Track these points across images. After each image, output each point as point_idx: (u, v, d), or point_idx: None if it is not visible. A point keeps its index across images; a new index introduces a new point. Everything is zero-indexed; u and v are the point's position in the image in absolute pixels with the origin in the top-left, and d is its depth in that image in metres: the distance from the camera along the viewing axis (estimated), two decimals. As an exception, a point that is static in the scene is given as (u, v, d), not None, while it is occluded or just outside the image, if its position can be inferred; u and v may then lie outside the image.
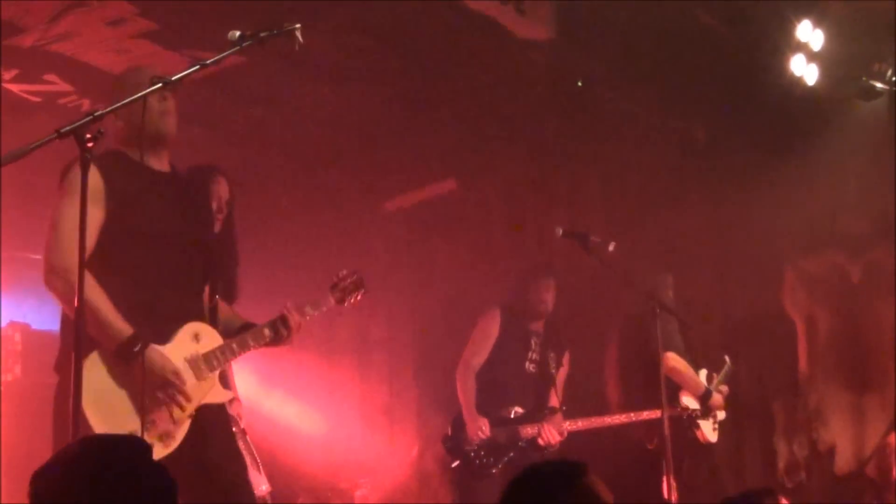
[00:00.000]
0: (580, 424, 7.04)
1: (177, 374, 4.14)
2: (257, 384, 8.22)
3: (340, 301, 4.93)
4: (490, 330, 7.25)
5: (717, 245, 8.13)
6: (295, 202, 9.14)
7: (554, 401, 7.18)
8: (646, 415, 6.82)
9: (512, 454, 6.91)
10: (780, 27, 6.99)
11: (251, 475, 4.99)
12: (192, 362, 4.25)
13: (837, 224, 7.96)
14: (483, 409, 6.96)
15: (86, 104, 6.93)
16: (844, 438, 7.85)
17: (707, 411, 7.19)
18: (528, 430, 6.95)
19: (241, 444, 5.15)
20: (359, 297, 5.01)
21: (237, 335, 4.49)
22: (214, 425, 4.36)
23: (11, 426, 6.88)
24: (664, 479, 6.14)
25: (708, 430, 7.19)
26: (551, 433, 6.90)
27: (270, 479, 6.01)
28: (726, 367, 7.43)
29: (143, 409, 3.98)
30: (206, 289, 4.56)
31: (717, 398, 7.25)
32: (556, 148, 8.40)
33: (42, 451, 2.85)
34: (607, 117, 7.86)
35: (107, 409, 3.97)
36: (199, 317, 4.39)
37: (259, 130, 7.91)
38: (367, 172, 8.90)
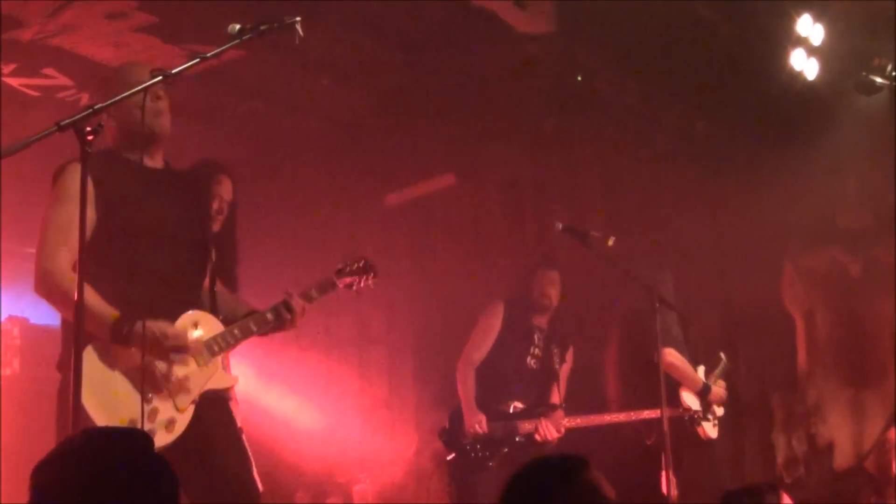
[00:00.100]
0: (579, 421, 7.03)
1: (175, 333, 4.10)
2: (256, 379, 8.21)
3: (349, 286, 4.85)
4: (492, 324, 7.23)
5: (716, 240, 8.12)
6: (293, 197, 9.13)
7: (555, 397, 7.18)
8: (646, 414, 6.79)
9: (507, 449, 6.89)
10: (780, 22, 6.98)
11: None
12: (194, 347, 4.22)
13: (837, 219, 7.95)
14: (483, 403, 6.95)
15: (85, 98, 6.93)
16: (843, 434, 7.85)
17: (707, 408, 7.19)
18: (526, 426, 6.93)
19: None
20: (369, 282, 4.93)
21: (239, 321, 4.45)
22: (216, 416, 4.35)
23: (10, 420, 6.88)
24: (663, 474, 6.14)
25: (708, 427, 7.19)
26: (548, 429, 6.89)
27: (268, 474, 5.97)
28: (722, 364, 7.42)
29: (145, 398, 3.96)
30: (206, 281, 4.54)
31: (716, 393, 7.24)
32: (556, 142, 8.39)
33: (41, 445, 2.84)
34: (607, 112, 7.85)
35: (107, 400, 3.96)
36: (198, 308, 4.37)
37: (258, 125, 7.91)
38: (366, 167, 8.90)
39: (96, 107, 3.39)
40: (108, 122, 4.17)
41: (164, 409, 4.11)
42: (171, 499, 2.37)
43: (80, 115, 3.33)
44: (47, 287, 4.08)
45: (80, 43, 6.42)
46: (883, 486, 7.12)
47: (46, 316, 7.39)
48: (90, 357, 3.95)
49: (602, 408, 7.26)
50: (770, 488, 4.20)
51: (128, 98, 3.70)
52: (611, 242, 6.16)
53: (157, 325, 4.04)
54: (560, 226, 6.17)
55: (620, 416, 7.05)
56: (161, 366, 4.10)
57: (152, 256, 4.21)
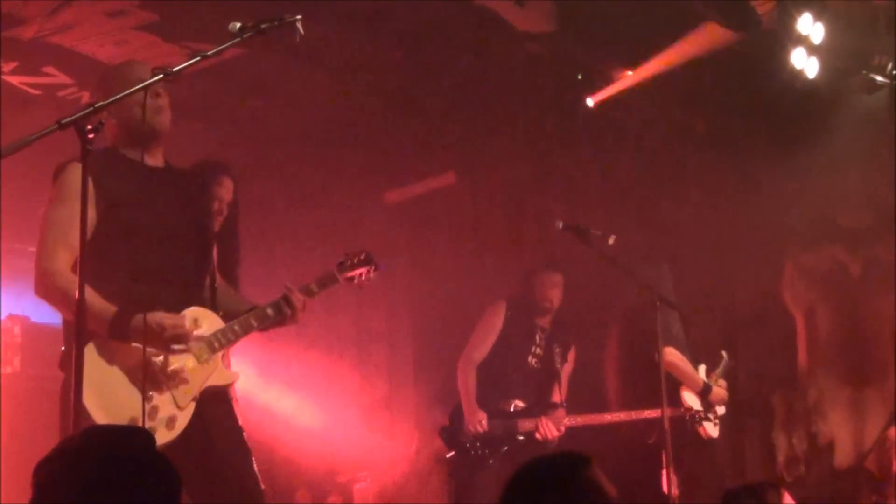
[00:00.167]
0: (580, 421, 7.03)
1: (174, 319, 4.09)
2: (256, 377, 8.21)
3: (350, 279, 4.79)
4: (494, 323, 7.22)
5: (716, 239, 8.12)
6: (293, 195, 9.13)
7: (556, 396, 7.18)
8: (647, 413, 6.78)
9: (507, 447, 6.89)
10: (781, 20, 6.98)
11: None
12: (194, 346, 4.20)
13: (837, 218, 7.96)
14: (483, 401, 6.95)
15: (85, 96, 6.93)
16: (844, 432, 7.85)
17: (708, 407, 7.19)
18: (526, 424, 6.93)
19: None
20: (370, 275, 4.88)
21: (240, 317, 4.43)
22: (218, 414, 4.33)
23: (10, 419, 6.88)
24: (663, 472, 6.14)
25: (709, 426, 7.18)
26: (548, 428, 6.88)
27: (269, 472, 6.00)
28: (724, 363, 7.42)
29: (145, 395, 3.95)
30: (206, 278, 4.53)
31: (717, 392, 7.24)
32: (557, 141, 8.40)
33: (42, 443, 2.84)
34: (607, 110, 7.85)
35: (108, 399, 3.95)
36: (199, 305, 4.35)
37: (258, 122, 7.91)
38: (366, 165, 8.89)
39: (97, 105, 3.39)
40: (108, 120, 4.15)
41: (165, 406, 4.10)
42: (173, 497, 2.37)
43: (81, 114, 3.33)
44: (46, 287, 4.07)
45: (80, 41, 6.42)
46: (883, 484, 7.12)
47: (47, 314, 7.36)
48: (90, 356, 3.92)
49: (603, 407, 7.25)
50: (771, 487, 4.20)
51: (128, 96, 3.70)
52: (611, 241, 6.15)
53: (154, 317, 4.02)
54: (560, 224, 6.15)
55: (621, 416, 7.04)
56: (161, 362, 4.09)
57: (152, 255, 4.20)
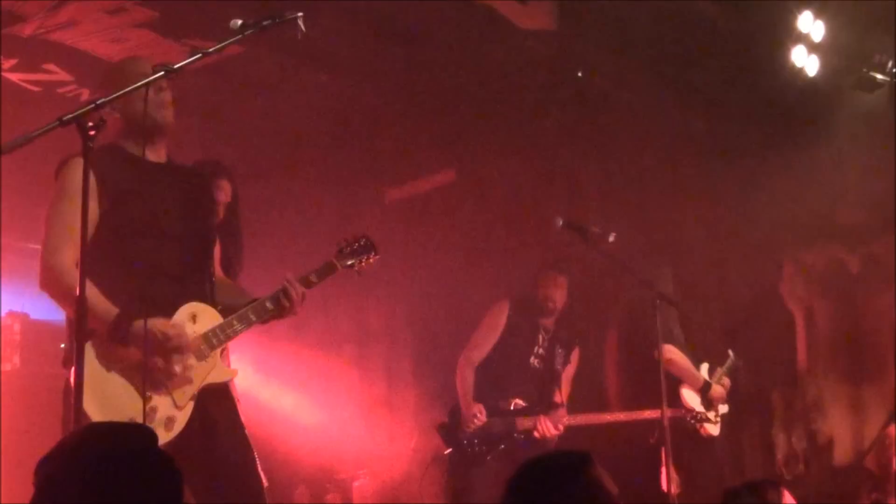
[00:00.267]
0: (579, 420, 7.03)
1: (173, 327, 4.08)
2: (255, 375, 8.21)
3: (349, 266, 4.74)
4: (495, 323, 7.22)
5: (716, 237, 8.13)
6: (293, 192, 9.13)
7: (558, 397, 7.18)
8: (647, 414, 6.78)
9: (505, 445, 6.88)
10: (781, 18, 6.98)
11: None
12: (192, 343, 4.19)
13: (837, 216, 7.96)
14: (484, 400, 6.94)
15: (85, 94, 6.93)
16: (843, 430, 7.86)
17: (708, 405, 7.19)
18: (525, 423, 6.93)
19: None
20: (371, 261, 4.83)
21: (238, 311, 4.39)
22: (219, 410, 4.31)
23: (10, 416, 6.87)
24: (663, 470, 6.15)
25: (710, 425, 7.18)
26: (547, 426, 6.88)
27: (268, 470, 5.97)
28: (730, 361, 7.41)
29: (144, 395, 3.94)
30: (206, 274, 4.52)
31: (717, 390, 7.24)
32: (556, 138, 8.39)
33: (42, 440, 2.83)
34: (607, 108, 7.85)
35: (106, 399, 3.94)
36: (199, 300, 4.32)
37: (258, 120, 7.90)
38: (367, 163, 8.89)
39: (98, 101, 3.38)
40: (112, 116, 4.13)
41: (163, 407, 4.09)
42: (176, 494, 2.37)
43: (83, 110, 3.33)
44: (51, 284, 4.07)
45: (80, 38, 6.41)
46: (883, 482, 7.12)
47: (47, 311, 7.38)
48: (89, 356, 3.92)
49: (603, 406, 7.25)
50: (771, 485, 4.20)
51: (131, 92, 3.70)
52: (611, 238, 6.15)
53: (157, 325, 4.02)
54: (560, 222, 6.14)
55: (620, 416, 7.05)
56: (160, 363, 4.08)
57: (155, 251, 4.20)
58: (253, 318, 4.40)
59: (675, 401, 6.97)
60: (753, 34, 7.05)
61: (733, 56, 7.18)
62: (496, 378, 7.07)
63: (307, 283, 4.56)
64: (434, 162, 9.02)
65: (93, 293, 3.91)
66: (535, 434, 6.90)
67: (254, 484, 4.37)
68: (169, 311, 4.17)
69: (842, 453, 7.82)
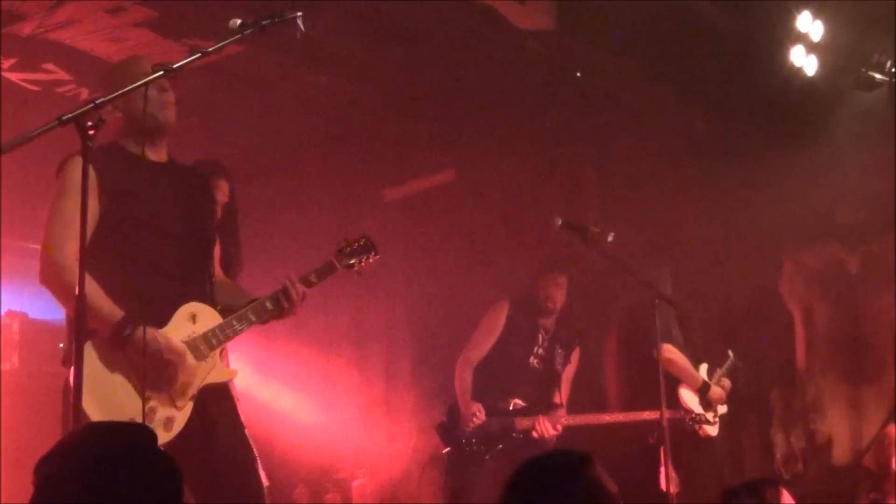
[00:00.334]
0: (579, 420, 7.03)
1: (176, 352, 4.09)
2: (253, 374, 8.22)
3: (349, 266, 4.75)
4: (495, 323, 7.21)
5: (715, 236, 8.12)
6: (292, 192, 9.13)
7: (558, 397, 7.17)
8: (646, 415, 6.78)
9: (502, 444, 6.88)
10: (780, 18, 6.99)
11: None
12: (191, 343, 4.17)
13: (836, 216, 7.96)
14: (482, 400, 6.94)
15: (84, 93, 6.93)
16: (842, 430, 7.86)
17: (707, 405, 7.19)
18: (524, 423, 6.93)
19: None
20: (370, 262, 4.83)
21: (238, 311, 4.39)
22: (219, 409, 4.31)
23: (9, 416, 6.88)
24: (661, 470, 6.14)
25: (709, 425, 7.18)
26: (545, 426, 6.88)
27: (267, 469, 5.98)
28: (729, 361, 7.41)
29: (143, 396, 3.94)
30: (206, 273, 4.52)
31: (716, 391, 7.23)
32: (556, 138, 8.40)
33: (41, 440, 2.83)
34: (606, 108, 7.85)
35: (106, 400, 3.93)
36: (199, 300, 4.32)
37: (258, 119, 7.90)
38: (366, 162, 8.89)
39: (98, 101, 3.38)
40: (113, 115, 4.14)
41: (162, 407, 4.08)
42: (175, 493, 2.37)
43: (82, 110, 3.32)
44: (52, 279, 4.05)
45: (79, 38, 6.41)
46: (881, 481, 7.12)
47: (46, 311, 7.40)
48: (89, 355, 3.91)
49: (602, 406, 7.25)
50: (770, 484, 4.20)
51: (134, 91, 3.69)
52: (610, 238, 6.14)
53: (159, 339, 4.04)
54: (559, 221, 6.13)
55: (619, 417, 7.04)
56: (159, 368, 4.08)
57: (155, 250, 4.20)
58: (253, 318, 4.39)
59: (674, 401, 6.96)
60: (752, 34, 7.06)
61: (732, 56, 7.18)
62: (495, 378, 7.07)
63: (307, 283, 4.55)
64: (433, 162, 9.02)
65: (96, 292, 3.93)
66: (534, 434, 6.89)
67: (253, 484, 4.38)
68: (169, 311, 4.17)
69: (840, 453, 7.82)
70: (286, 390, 8.83)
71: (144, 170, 4.22)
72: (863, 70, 7.25)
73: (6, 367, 7.57)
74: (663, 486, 6.16)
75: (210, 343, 4.25)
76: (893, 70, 7.24)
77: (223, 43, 3.76)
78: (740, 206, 7.90)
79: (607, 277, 7.25)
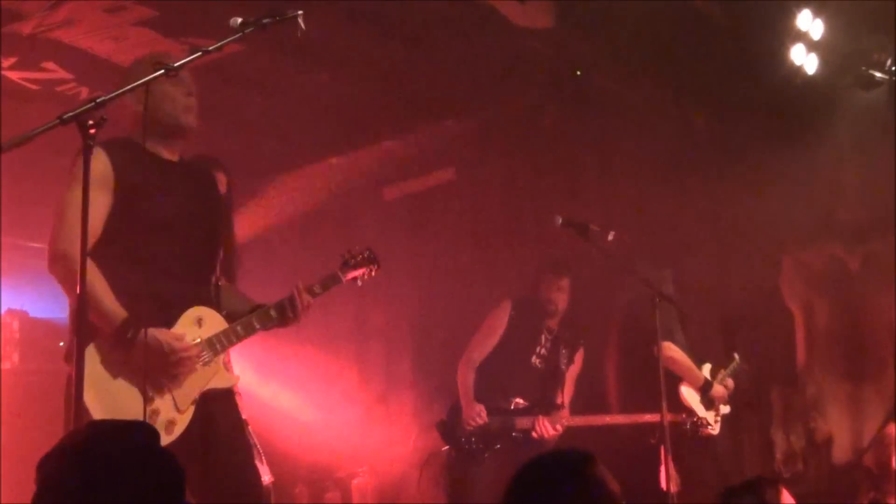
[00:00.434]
0: (579, 421, 7.03)
1: (186, 349, 4.09)
2: (253, 373, 8.21)
3: (353, 280, 4.85)
4: (496, 324, 7.21)
5: (715, 235, 8.12)
6: (291, 191, 9.12)
7: (560, 397, 7.17)
8: (647, 417, 6.77)
9: (501, 444, 6.88)
10: (780, 16, 6.98)
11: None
12: (196, 349, 4.17)
13: (836, 214, 7.96)
14: (484, 398, 6.94)
15: (84, 92, 6.92)
16: (842, 429, 7.86)
17: (709, 404, 7.18)
18: (524, 422, 6.93)
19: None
20: (372, 274, 4.94)
21: (242, 318, 4.42)
22: (220, 411, 4.31)
23: (9, 414, 6.88)
24: (662, 469, 6.14)
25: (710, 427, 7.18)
26: (545, 426, 6.87)
27: (268, 467, 6.00)
28: (734, 363, 7.42)
29: (146, 398, 3.93)
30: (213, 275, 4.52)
31: (718, 389, 7.23)
32: (556, 137, 8.39)
33: (41, 439, 2.83)
34: (606, 106, 7.85)
35: (109, 400, 3.93)
36: (205, 303, 4.32)
37: (257, 118, 7.90)
38: (366, 161, 8.88)
39: (99, 100, 3.37)
40: (135, 110, 4.09)
41: (165, 409, 4.08)
42: (177, 492, 2.37)
43: (83, 109, 3.31)
44: (62, 269, 4.02)
45: (79, 36, 6.41)
46: (882, 481, 7.12)
47: (46, 309, 7.40)
48: (92, 356, 3.92)
49: (603, 406, 7.24)
50: (770, 483, 4.20)
51: (130, 91, 3.68)
52: (610, 236, 6.14)
53: (164, 338, 4.03)
54: (560, 219, 6.12)
55: (620, 418, 7.04)
56: (164, 369, 4.07)
57: (165, 249, 4.19)
58: (257, 325, 4.44)
59: (675, 399, 6.96)
60: (752, 33, 7.05)
61: (733, 55, 7.18)
62: (497, 377, 7.07)
63: (311, 293, 4.63)
64: (433, 160, 9.01)
65: (101, 288, 3.94)
66: (533, 434, 6.89)
67: (252, 482, 4.38)
68: (176, 312, 4.18)
69: (840, 452, 7.82)
70: (286, 389, 8.83)
71: (159, 168, 4.24)
72: (863, 69, 7.26)
73: (6, 365, 7.57)
74: (664, 485, 6.16)
75: (214, 348, 4.26)
76: (893, 69, 7.25)
77: (223, 42, 3.75)
78: (741, 204, 7.90)
79: (608, 277, 7.24)
